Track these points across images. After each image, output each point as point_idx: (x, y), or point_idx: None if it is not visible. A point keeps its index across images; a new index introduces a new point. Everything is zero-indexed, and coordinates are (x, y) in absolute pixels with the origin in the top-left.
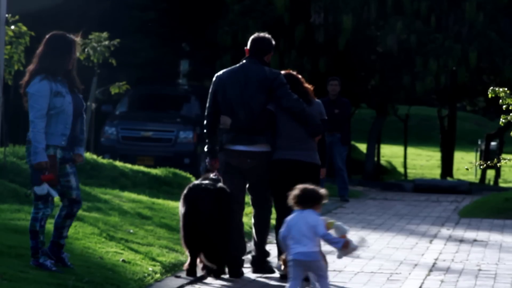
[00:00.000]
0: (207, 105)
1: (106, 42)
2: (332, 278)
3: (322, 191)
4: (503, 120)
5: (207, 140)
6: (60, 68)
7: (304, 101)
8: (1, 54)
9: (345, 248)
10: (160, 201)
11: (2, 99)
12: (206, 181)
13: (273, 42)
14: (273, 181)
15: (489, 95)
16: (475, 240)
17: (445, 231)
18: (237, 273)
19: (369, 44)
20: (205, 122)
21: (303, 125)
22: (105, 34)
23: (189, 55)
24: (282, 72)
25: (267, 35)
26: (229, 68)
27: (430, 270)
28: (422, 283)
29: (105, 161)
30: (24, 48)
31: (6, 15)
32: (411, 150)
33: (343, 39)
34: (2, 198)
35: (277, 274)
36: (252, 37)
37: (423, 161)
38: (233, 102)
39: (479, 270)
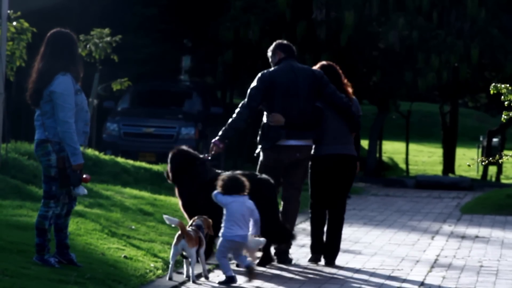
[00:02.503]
0: (249, 98)
1: (108, 38)
2: (334, 274)
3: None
4: (505, 117)
5: (229, 125)
6: (78, 65)
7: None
8: (3, 51)
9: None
10: (162, 197)
11: (4, 95)
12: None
13: None
14: (317, 175)
15: (491, 92)
16: (477, 237)
17: (447, 228)
18: (285, 259)
19: (371, 40)
20: (238, 110)
21: (346, 121)
22: (107, 30)
23: (191, 51)
24: (324, 62)
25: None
26: (277, 67)
27: (432, 267)
28: (424, 279)
29: (107, 157)
30: (26, 45)
31: (8, 12)
32: (413, 147)
33: (345, 35)
34: (4, 194)
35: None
36: (279, 43)
37: (425, 158)
38: (287, 100)
39: (481, 266)
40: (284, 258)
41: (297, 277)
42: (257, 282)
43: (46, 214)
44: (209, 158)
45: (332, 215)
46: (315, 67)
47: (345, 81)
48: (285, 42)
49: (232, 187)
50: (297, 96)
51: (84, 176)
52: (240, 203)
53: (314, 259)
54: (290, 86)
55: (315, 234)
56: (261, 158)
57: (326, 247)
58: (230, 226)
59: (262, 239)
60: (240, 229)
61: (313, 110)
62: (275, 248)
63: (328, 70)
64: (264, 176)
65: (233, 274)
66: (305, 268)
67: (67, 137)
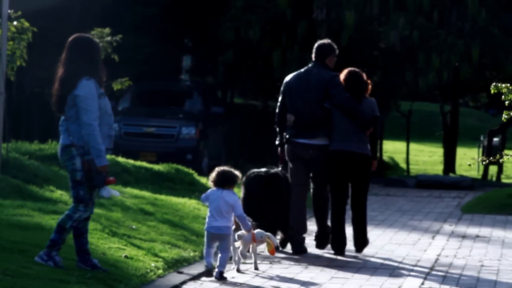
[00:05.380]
0: (278, 104)
1: (109, 38)
2: (335, 274)
3: (237, 173)
4: (506, 116)
5: (278, 132)
6: (100, 69)
7: (355, 99)
8: (3, 50)
9: (249, 231)
10: (162, 197)
11: (5, 95)
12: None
13: (334, 46)
14: (329, 170)
15: (492, 91)
16: (477, 236)
17: (447, 227)
18: (299, 250)
19: (372, 40)
20: (276, 119)
21: (353, 120)
22: (107, 30)
23: (191, 51)
24: (350, 69)
25: (328, 41)
26: (296, 72)
27: (433, 266)
28: (425, 279)
29: (107, 156)
30: (26, 44)
31: (9, 11)
32: (413, 146)
33: (345, 35)
34: (5, 194)
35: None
36: (315, 45)
37: (425, 157)
38: (297, 102)
39: (482, 266)
40: (298, 248)
41: (298, 276)
42: (257, 280)
43: (73, 215)
44: (281, 166)
45: (354, 211)
46: (342, 74)
47: (367, 86)
48: (320, 43)
49: (217, 181)
50: (306, 99)
51: (110, 178)
52: (217, 196)
53: (337, 254)
54: (300, 90)
55: (335, 231)
56: None
57: (354, 240)
58: (208, 218)
59: (259, 232)
60: (214, 221)
61: (321, 111)
62: (290, 237)
63: (351, 76)
64: (272, 171)
65: (210, 261)
66: (306, 267)
67: (91, 139)
